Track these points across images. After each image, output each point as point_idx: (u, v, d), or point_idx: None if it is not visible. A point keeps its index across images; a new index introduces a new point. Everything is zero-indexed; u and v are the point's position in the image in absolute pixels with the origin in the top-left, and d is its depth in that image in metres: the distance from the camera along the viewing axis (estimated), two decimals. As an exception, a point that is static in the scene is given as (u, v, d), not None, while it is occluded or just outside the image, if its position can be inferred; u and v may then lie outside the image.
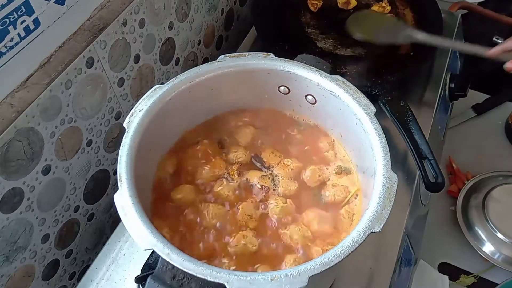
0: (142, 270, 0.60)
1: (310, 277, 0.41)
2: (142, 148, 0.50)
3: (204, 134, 0.61)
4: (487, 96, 1.16)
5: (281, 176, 0.58)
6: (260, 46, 0.92)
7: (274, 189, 0.57)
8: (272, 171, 0.58)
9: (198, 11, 0.85)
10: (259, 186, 0.57)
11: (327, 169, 0.58)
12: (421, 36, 0.77)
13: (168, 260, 0.42)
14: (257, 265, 0.51)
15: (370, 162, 0.51)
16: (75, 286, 0.66)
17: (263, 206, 0.55)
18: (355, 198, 0.56)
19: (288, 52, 0.84)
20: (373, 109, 0.54)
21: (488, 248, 0.93)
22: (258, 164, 0.59)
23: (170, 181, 0.57)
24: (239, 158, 0.59)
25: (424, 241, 0.87)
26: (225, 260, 0.51)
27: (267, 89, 0.60)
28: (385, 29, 0.83)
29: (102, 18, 0.63)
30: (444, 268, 0.93)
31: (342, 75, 0.57)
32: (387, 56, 0.85)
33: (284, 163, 0.58)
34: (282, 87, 0.60)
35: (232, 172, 0.58)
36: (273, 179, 0.57)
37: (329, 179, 0.58)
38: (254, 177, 0.57)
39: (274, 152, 0.60)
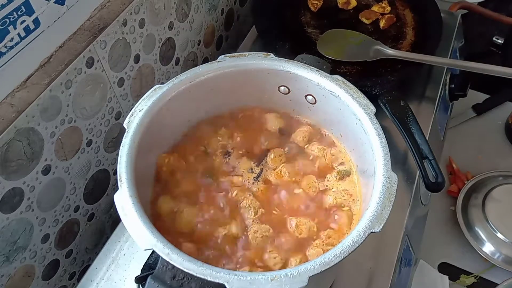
0: (142, 270, 0.60)
1: (310, 277, 0.41)
2: (142, 148, 0.50)
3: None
4: (487, 96, 1.16)
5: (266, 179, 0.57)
6: (260, 46, 0.92)
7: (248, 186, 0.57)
8: (263, 170, 0.58)
9: (198, 11, 0.85)
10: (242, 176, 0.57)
11: (328, 180, 0.58)
12: (390, 52, 0.82)
13: (168, 260, 0.42)
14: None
15: (370, 162, 0.51)
16: (75, 286, 0.66)
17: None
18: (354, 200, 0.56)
19: (288, 52, 0.84)
20: (373, 109, 0.54)
21: (488, 248, 0.92)
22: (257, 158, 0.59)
23: (169, 180, 0.57)
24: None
25: (424, 241, 0.87)
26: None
27: (267, 89, 0.60)
28: (355, 47, 0.85)
29: (102, 18, 0.63)
30: (444, 268, 0.93)
31: (342, 75, 0.57)
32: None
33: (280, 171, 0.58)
34: (282, 87, 0.60)
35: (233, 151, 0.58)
36: (256, 178, 0.57)
37: (327, 185, 0.57)
38: (245, 166, 0.58)
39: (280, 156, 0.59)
